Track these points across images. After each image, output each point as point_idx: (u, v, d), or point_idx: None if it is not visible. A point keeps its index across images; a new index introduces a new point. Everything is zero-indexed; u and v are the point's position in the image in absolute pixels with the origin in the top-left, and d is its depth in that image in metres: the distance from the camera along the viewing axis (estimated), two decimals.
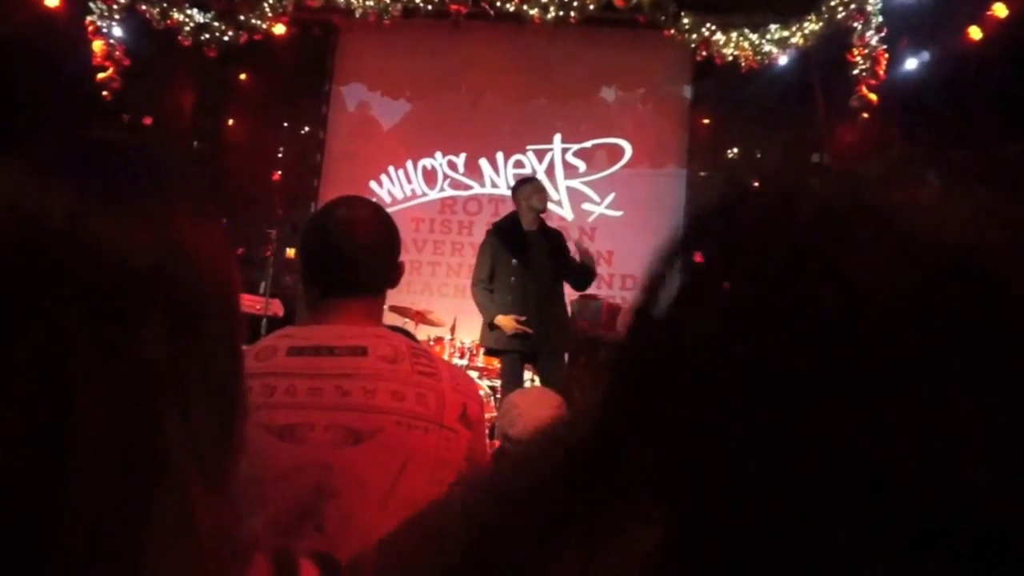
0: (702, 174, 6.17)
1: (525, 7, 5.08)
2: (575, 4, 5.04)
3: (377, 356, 1.23)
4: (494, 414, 4.57)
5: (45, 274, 0.41)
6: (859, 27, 4.87)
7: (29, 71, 4.55)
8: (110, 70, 5.01)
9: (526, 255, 4.05)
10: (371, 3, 5.11)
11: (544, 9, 5.07)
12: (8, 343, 0.40)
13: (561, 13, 5.07)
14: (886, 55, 4.83)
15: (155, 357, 0.43)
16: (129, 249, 0.43)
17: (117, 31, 5.12)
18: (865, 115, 4.94)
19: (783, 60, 5.22)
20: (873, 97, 4.84)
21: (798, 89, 5.48)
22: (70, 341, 0.41)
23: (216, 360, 0.48)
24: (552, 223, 6.23)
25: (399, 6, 5.13)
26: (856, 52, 4.89)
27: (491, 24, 5.51)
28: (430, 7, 5.14)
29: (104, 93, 5.02)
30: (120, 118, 5.24)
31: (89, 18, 5.04)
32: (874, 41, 4.83)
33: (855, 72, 4.90)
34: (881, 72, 4.83)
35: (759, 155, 6.12)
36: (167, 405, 0.44)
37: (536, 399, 2.03)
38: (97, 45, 5.03)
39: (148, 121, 5.61)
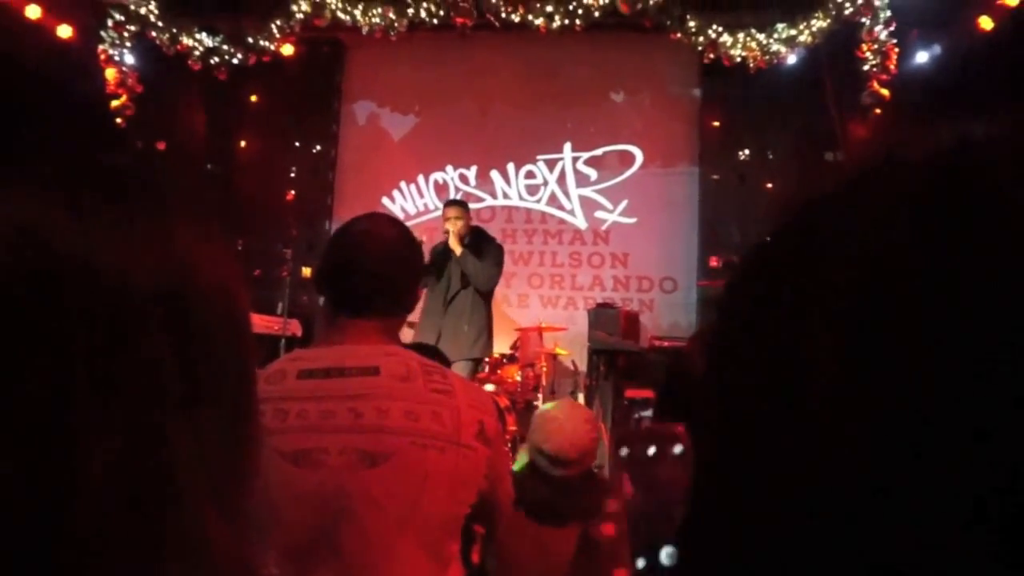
0: (715, 176, 6.12)
1: (530, 16, 5.08)
2: (580, 11, 5.03)
3: (389, 375, 1.21)
4: (514, 428, 4.55)
5: (47, 300, 0.40)
6: (867, 22, 4.82)
7: (44, 101, 4.62)
8: (123, 97, 5.07)
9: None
10: (377, 19, 5.13)
11: (549, 17, 5.07)
12: (8, 373, 0.39)
13: (566, 21, 5.06)
14: (896, 49, 4.77)
15: (163, 384, 0.42)
16: (133, 273, 0.42)
17: (129, 58, 5.19)
18: (878, 110, 4.88)
19: (792, 59, 5.17)
20: (885, 92, 4.78)
21: (808, 87, 5.43)
22: (73, 369, 0.40)
23: (227, 385, 0.47)
24: (567, 232, 6.25)
25: (405, 21, 5.15)
26: (865, 47, 4.83)
27: (497, 34, 5.52)
28: (435, 20, 5.15)
29: (118, 120, 5.08)
30: (134, 144, 5.30)
31: (101, 47, 5.11)
32: (883, 36, 4.78)
33: (865, 68, 4.85)
34: (892, 66, 4.78)
35: (771, 155, 6.07)
36: (177, 433, 0.42)
37: (568, 413, 2.01)
38: (110, 73, 5.10)
39: (161, 145, 5.67)
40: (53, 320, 0.39)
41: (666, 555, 0.47)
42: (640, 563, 0.48)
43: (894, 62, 4.77)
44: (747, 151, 6.11)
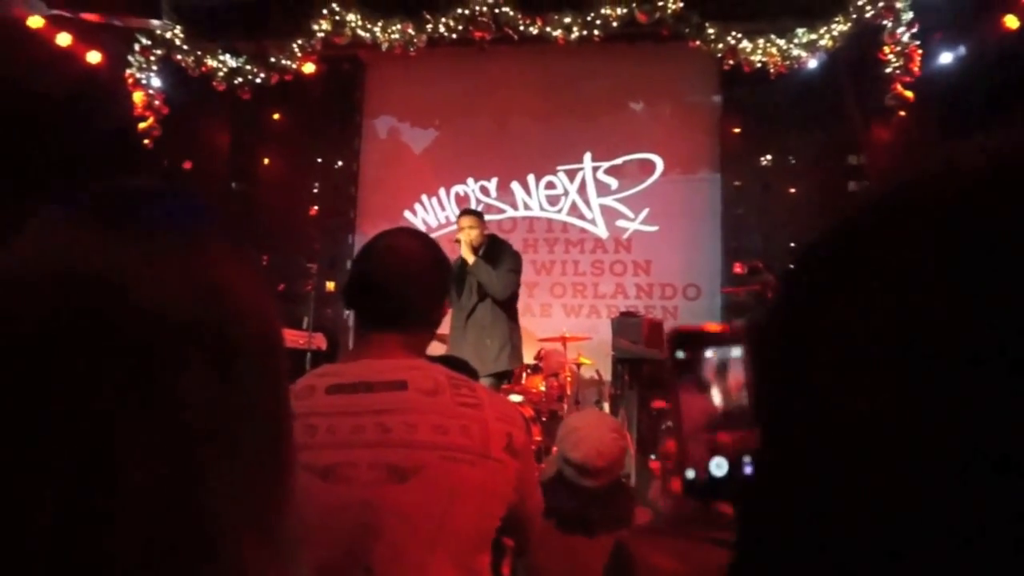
0: (736, 183, 6.09)
1: (548, 28, 5.10)
2: (598, 22, 5.05)
3: (416, 389, 1.21)
4: (539, 438, 4.54)
5: (82, 326, 0.40)
6: (889, 24, 4.77)
7: (74, 125, 4.74)
8: (150, 119, 5.18)
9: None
10: (396, 36, 5.19)
11: (567, 29, 5.09)
12: (46, 400, 0.40)
13: (584, 32, 5.08)
14: (919, 51, 4.72)
15: (198, 407, 0.42)
16: (166, 297, 0.43)
17: (156, 81, 5.30)
18: (902, 113, 4.82)
19: (812, 63, 5.14)
20: (909, 94, 4.73)
21: (830, 91, 5.38)
22: (109, 395, 0.40)
23: (261, 405, 0.47)
24: (588, 241, 6.24)
25: (424, 36, 5.20)
26: (888, 50, 4.79)
27: (515, 47, 5.55)
28: (454, 35, 5.20)
29: (145, 141, 5.19)
30: (161, 164, 5.41)
31: (129, 71, 5.23)
32: (905, 37, 4.73)
33: (888, 70, 4.80)
34: (915, 68, 4.72)
35: (793, 160, 6.02)
36: (213, 456, 0.43)
37: (595, 422, 2.01)
38: (137, 96, 5.21)
39: (188, 165, 5.77)
40: (94, 353, 0.40)
41: (715, 465, 0.47)
42: (690, 474, 0.48)
43: (918, 64, 4.71)
44: (769, 157, 6.07)
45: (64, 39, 4.98)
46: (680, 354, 0.49)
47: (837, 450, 0.30)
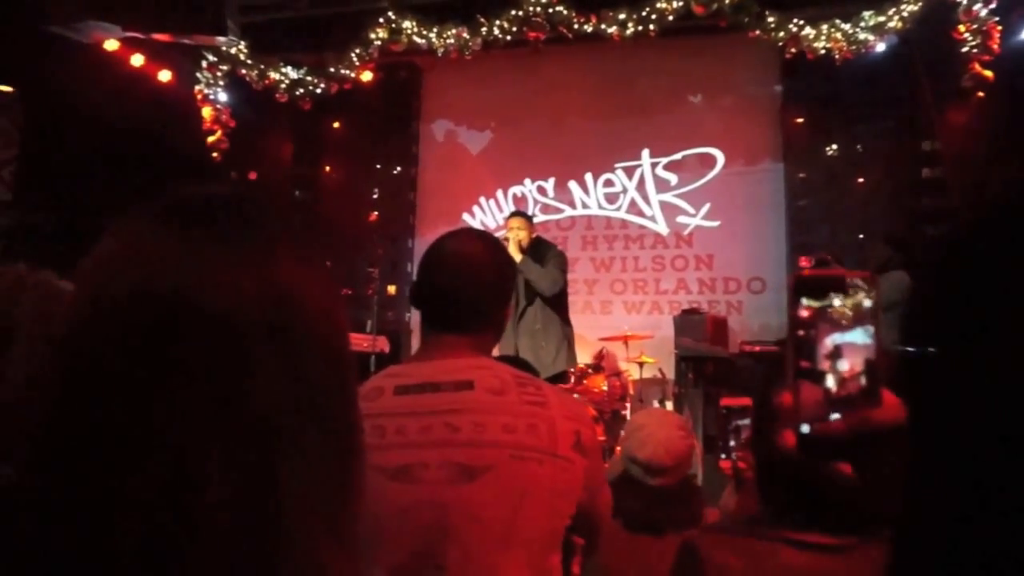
0: (801, 174, 5.90)
1: (603, 25, 5.06)
2: (653, 17, 4.98)
3: (483, 389, 1.21)
4: (602, 438, 4.50)
5: (157, 336, 0.41)
6: (963, 2, 4.55)
7: (150, 141, 4.96)
8: (218, 133, 5.39)
9: None
10: (451, 41, 5.24)
11: (622, 25, 5.04)
12: (127, 409, 0.41)
13: (640, 27, 5.01)
14: (998, 28, 4.47)
15: (271, 410, 0.43)
16: (238, 303, 0.43)
17: (222, 96, 5.51)
18: (980, 94, 4.58)
19: (880, 47, 4.93)
20: (988, 74, 4.49)
21: (899, 75, 5.17)
22: (186, 402, 0.41)
23: (331, 406, 0.47)
24: (648, 236, 6.16)
25: (479, 40, 5.23)
26: (963, 28, 4.56)
27: (570, 46, 5.53)
28: (508, 37, 5.21)
29: (214, 155, 5.39)
30: (228, 176, 5.61)
31: (197, 87, 5.45)
32: (983, 13, 4.49)
33: (964, 50, 4.57)
34: (995, 46, 4.48)
35: (861, 148, 5.80)
36: (287, 458, 0.43)
37: (661, 420, 1.97)
38: (206, 111, 5.42)
39: (253, 175, 5.97)
40: (169, 362, 0.41)
41: (805, 427, 0.46)
42: (805, 428, 0.48)
43: (997, 41, 4.47)
44: (835, 146, 5.86)
45: (137, 59, 5.22)
46: (803, 300, 0.48)
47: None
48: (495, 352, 4.05)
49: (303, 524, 0.43)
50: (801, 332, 0.49)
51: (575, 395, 4.83)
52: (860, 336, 0.48)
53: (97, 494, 0.39)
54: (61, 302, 0.46)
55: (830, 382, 0.48)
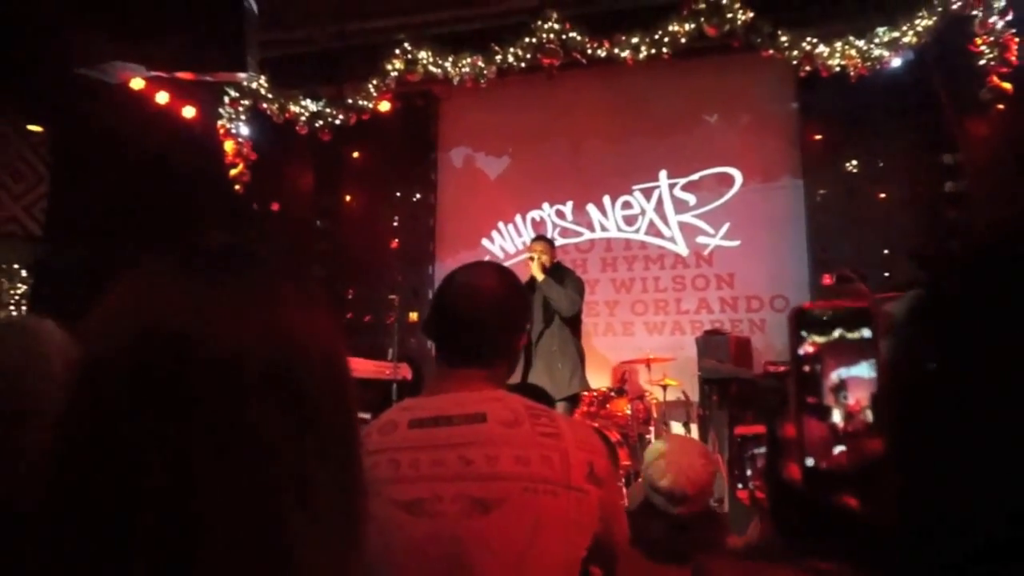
0: (821, 191, 5.86)
1: (616, 49, 5.10)
2: (666, 39, 5.01)
3: (496, 421, 1.22)
4: (627, 462, 4.46)
5: (164, 379, 0.43)
6: (979, 14, 4.52)
7: (175, 176, 5.08)
8: (240, 166, 5.50)
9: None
10: (467, 69, 5.32)
11: (635, 49, 5.07)
12: (131, 448, 0.42)
13: (653, 50, 5.05)
14: (1016, 39, 4.43)
15: (276, 452, 0.44)
16: (242, 348, 0.45)
17: (244, 130, 5.63)
18: (1000, 106, 4.53)
19: (896, 62, 4.91)
20: (1007, 85, 4.44)
21: (917, 89, 5.13)
22: (190, 443, 0.42)
23: (334, 447, 0.48)
24: (668, 256, 6.14)
25: (493, 68, 5.30)
26: (980, 41, 4.52)
27: (584, 71, 5.58)
28: (523, 64, 5.28)
29: (236, 187, 5.50)
30: (251, 207, 5.71)
31: (220, 122, 5.58)
32: (999, 25, 4.46)
33: (982, 62, 4.53)
34: (1012, 58, 4.44)
35: (881, 164, 5.74)
36: (291, 498, 0.44)
37: (682, 447, 1.95)
38: (228, 145, 5.54)
39: (275, 207, 6.07)
40: (175, 404, 0.43)
41: (810, 461, 0.47)
42: (810, 462, 0.48)
43: (1015, 53, 4.43)
44: (854, 161, 5.81)
45: (163, 97, 5.36)
46: (804, 333, 0.48)
47: None
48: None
49: (308, 562, 0.44)
50: (807, 367, 0.48)
51: (595, 419, 4.80)
52: (865, 370, 0.47)
53: (107, 532, 0.40)
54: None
55: (836, 417, 0.47)
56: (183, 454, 0.42)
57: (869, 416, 0.47)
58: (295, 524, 0.44)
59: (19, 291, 5.90)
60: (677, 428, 5.28)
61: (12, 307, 5.72)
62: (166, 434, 0.42)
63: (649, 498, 1.89)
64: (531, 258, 4.32)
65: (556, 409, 3.76)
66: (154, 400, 0.43)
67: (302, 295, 0.51)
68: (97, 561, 0.40)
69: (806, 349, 0.49)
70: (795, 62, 4.96)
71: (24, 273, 5.83)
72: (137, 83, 5.16)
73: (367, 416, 1.58)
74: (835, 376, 0.48)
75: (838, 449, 0.47)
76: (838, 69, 4.90)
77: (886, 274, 5.42)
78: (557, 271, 4.42)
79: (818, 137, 5.85)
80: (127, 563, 0.40)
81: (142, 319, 0.45)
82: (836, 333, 0.48)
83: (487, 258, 6.08)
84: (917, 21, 4.76)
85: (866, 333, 0.48)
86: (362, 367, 4.95)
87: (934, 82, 5.08)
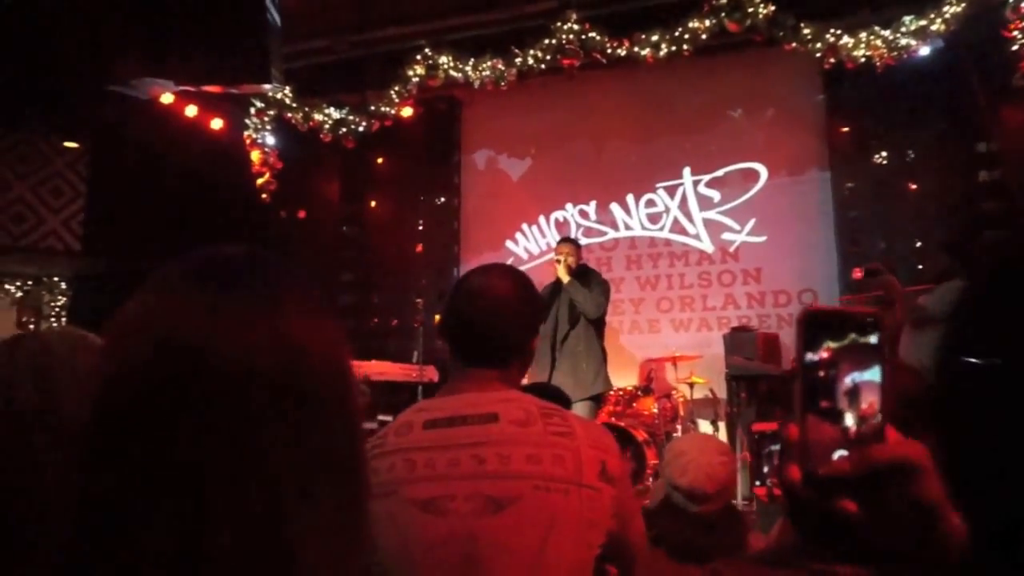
0: (849, 184, 5.76)
1: (636, 48, 5.09)
2: (686, 36, 4.98)
3: (508, 421, 1.23)
4: (655, 461, 4.44)
5: (177, 384, 0.45)
6: (1011, 0, 4.41)
7: (205, 185, 5.19)
8: (267, 175, 5.61)
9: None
10: (487, 73, 5.35)
11: (655, 47, 5.05)
12: (143, 454, 0.44)
13: (673, 48, 5.02)
14: None
15: (279, 456, 0.46)
16: (247, 358, 0.47)
17: (270, 139, 5.74)
18: None
19: (924, 51, 4.81)
20: None
21: (947, 78, 5.02)
22: (198, 447, 0.45)
23: (337, 451, 0.50)
24: (693, 253, 6.10)
25: (514, 70, 5.32)
26: (1012, 26, 4.42)
27: (605, 70, 5.57)
28: (543, 66, 5.29)
29: (264, 196, 5.61)
30: (278, 215, 5.81)
31: (246, 132, 5.69)
32: None
33: (1014, 48, 4.42)
34: None
35: (912, 155, 5.63)
36: (295, 501, 0.46)
37: (702, 445, 1.94)
38: (255, 155, 5.65)
39: (302, 214, 6.17)
40: (183, 411, 0.45)
41: (838, 456, 0.49)
42: (809, 465, 0.48)
43: None
44: (884, 153, 5.71)
45: (191, 110, 5.49)
46: (815, 337, 0.49)
47: None
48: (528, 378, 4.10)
49: (309, 559, 0.46)
50: (821, 372, 0.49)
51: (622, 418, 4.79)
52: (877, 374, 0.48)
53: (121, 537, 0.43)
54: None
55: (849, 421, 0.48)
56: (192, 458, 0.45)
57: (878, 420, 0.48)
58: (298, 522, 0.46)
59: (59, 303, 6.08)
60: (704, 426, 5.23)
61: (53, 319, 5.89)
62: (176, 440, 0.45)
63: (669, 496, 1.88)
64: (557, 260, 4.34)
65: (576, 409, 3.77)
66: (166, 407, 0.45)
67: (307, 306, 0.52)
68: (112, 558, 0.43)
69: (820, 353, 0.49)
70: (819, 55, 4.89)
71: (64, 285, 6.01)
72: (167, 98, 5.30)
73: (389, 419, 1.60)
74: (849, 380, 0.48)
75: (838, 454, 0.48)
76: (863, 60, 4.82)
77: (919, 267, 5.31)
78: (583, 273, 4.43)
79: (845, 130, 5.76)
80: (139, 560, 0.43)
81: (154, 330, 0.48)
82: (848, 337, 0.49)
83: (511, 260, 6.10)
84: (945, 8, 4.67)
85: (872, 339, 0.48)
86: (389, 370, 5.01)
87: (964, 70, 4.97)
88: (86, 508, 0.44)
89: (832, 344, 0.48)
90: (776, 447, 3.74)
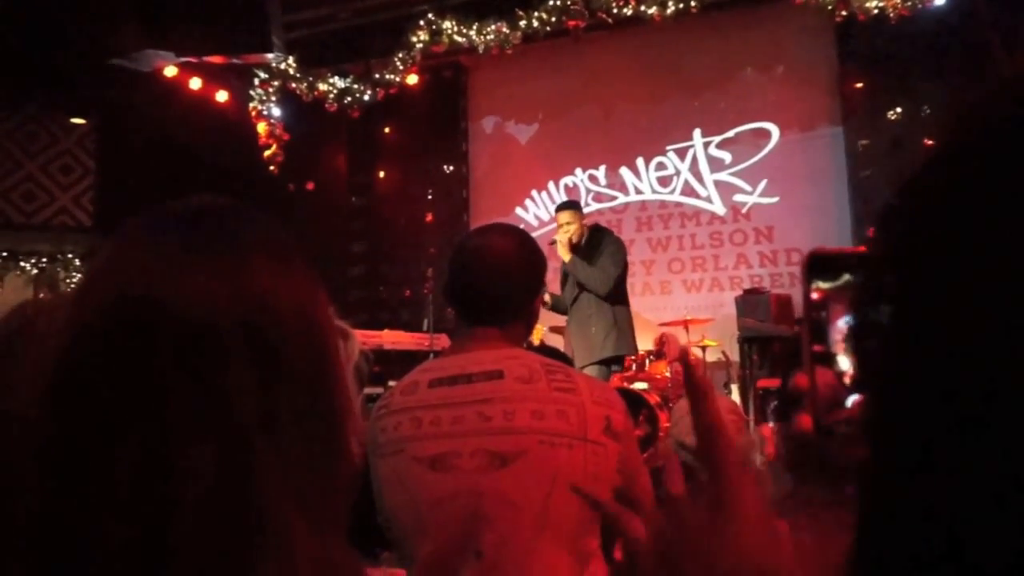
0: (863, 142, 5.65)
1: (642, 7, 4.99)
2: None
3: (513, 377, 1.24)
4: (667, 424, 4.45)
5: (137, 337, 0.45)
6: None
7: (212, 158, 5.19)
8: (273, 147, 5.59)
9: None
10: (492, 37, 5.27)
11: (662, 5, 4.95)
12: (109, 405, 0.44)
13: (681, 5, 4.92)
14: None
15: (244, 402, 0.46)
16: (213, 306, 0.47)
17: (275, 111, 5.71)
18: None
19: (940, 1, 4.68)
20: None
21: (965, 29, 4.88)
22: (165, 399, 0.45)
23: (309, 402, 0.50)
24: (704, 213, 6.03)
25: (519, 34, 5.24)
26: None
27: (612, 32, 5.47)
28: (548, 28, 5.21)
29: (271, 168, 5.60)
30: (287, 188, 5.81)
31: (251, 104, 5.66)
32: None
33: None
34: None
35: (927, 110, 5.51)
36: (263, 453, 0.46)
37: None
38: (261, 127, 5.63)
39: (310, 186, 6.16)
40: (148, 359, 0.45)
41: (851, 403, 0.46)
42: (821, 415, 0.47)
43: None
44: (898, 110, 5.58)
45: (195, 83, 5.47)
46: (817, 282, 0.47)
47: None
48: (559, 342, 4.05)
49: (277, 503, 0.46)
50: (815, 314, 0.47)
51: (639, 383, 4.79)
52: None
53: (84, 486, 0.43)
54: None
55: (844, 365, 0.46)
56: (157, 411, 0.45)
57: None
58: (266, 466, 0.46)
59: (74, 280, 6.14)
60: (718, 390, 5.24)
61: None
62: (140, 392, 0.45)
63: (678, 455, 1.89)
64: (553, 241, 4.10)
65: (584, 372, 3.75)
66: (128, 359, 0.45)
67: (274, 255, 0.52)
68: (73, 515, 0.43)
69: (814, 295, 0.47)
70: (830, 7, 4.77)
71: (78, 262, 6.07)
72: (170, 71, 5.27)
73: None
74: (842, 323, 0.47)
75: (851, 400, 0.46)
76: (876, 11, 4.70)
77: None
78: (593, 238, 4.20)
79: (859, 85, 5.64)
80: (101, 516, 0.43)
81: (116, 282, 0.48)
82: (843, 278, 0.47)
83: (521, 226, 6.07)
84: None
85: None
86: (402, 340, 5.03)
87: (982, 20, 4.83)
88: (47, 456, 0.44)
89: (823, 285, 0.47)
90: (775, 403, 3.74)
